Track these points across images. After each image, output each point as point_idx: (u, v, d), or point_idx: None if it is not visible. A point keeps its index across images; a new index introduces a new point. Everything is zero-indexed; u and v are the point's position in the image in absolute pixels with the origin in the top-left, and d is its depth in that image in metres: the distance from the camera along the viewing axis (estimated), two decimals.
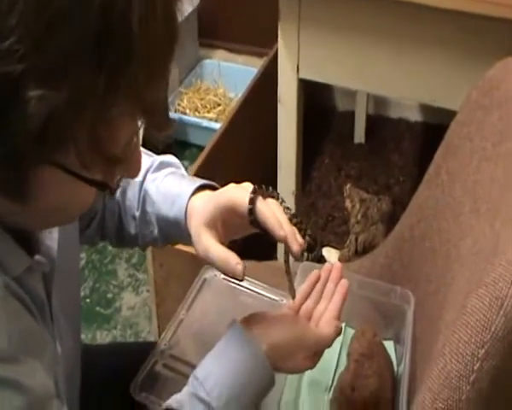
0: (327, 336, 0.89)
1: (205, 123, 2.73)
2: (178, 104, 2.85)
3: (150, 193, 0.98)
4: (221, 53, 3.04)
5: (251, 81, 2.31)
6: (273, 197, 0.87)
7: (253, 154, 2.28)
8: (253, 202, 0.84)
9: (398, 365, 1.13)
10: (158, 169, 1.01)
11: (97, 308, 2.16)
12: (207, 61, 3.01)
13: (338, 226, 2.37)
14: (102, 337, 2.08)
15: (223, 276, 1.04)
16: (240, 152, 2.20)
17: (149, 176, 1.00)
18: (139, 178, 0.99)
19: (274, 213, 0.84)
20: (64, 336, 0.86)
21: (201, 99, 2.88)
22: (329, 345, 0.90)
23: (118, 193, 1.00)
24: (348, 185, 2.28)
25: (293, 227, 0.83)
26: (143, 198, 0.99)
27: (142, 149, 1.04)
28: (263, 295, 1.19)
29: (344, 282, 0.97)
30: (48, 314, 0.80)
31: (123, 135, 0.65)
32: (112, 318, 2.14)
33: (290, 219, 0.84)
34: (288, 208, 0.86)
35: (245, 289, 1.19)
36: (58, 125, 0.58)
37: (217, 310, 1.17)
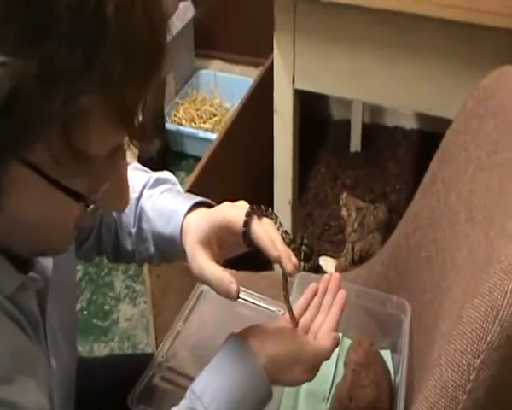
0: (325, 349, 0.89)
1: (201, 134, 2.73)
2: (175, 115, 2.86)
3: (146, 210, 0.98)
4: (217, 63, 3.05)
5: (247, 91, 2.31)
6: (271, 218, 0.87)
7: (249, 164, 2.29)
8: (247, 220, 0.84)
9: (396, 374, 1.13)
10: (154, 186, 1.01)
11: (94, 321, 2.16)
12: (203, 72, 3.01)
13: (334, 235, 2.38)
14: (100, 350, 2.07)
15: None
16: (236, 162, 2.21)
17: (145, 192, 0.99)
18: (135, 195, 0.99)
19: (268, 233, 0.83)
20: (60, 351, 0.86)
21: (197, 110, 2.89)
22: (328, 358, 0.90)
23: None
24: (344, 194, 2.28)
25: (288, 248, 0.83)
26: (139, 215, 0.99)
27: (138, 165, 1.04)
28: (260, 306, 1.19)
29: (342, 293, 0.97)
30: (42, 331, 0.80)
31: (98, 137, 0.62)
32: (109, 330, 2.13)
33: (288, 244, 0.83)
34: (286, 232, 0.86)
35: (242, 301, 1.19)
36: (26, 99, 0.56)
37: (214, 322, 1.17)
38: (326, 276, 1.00)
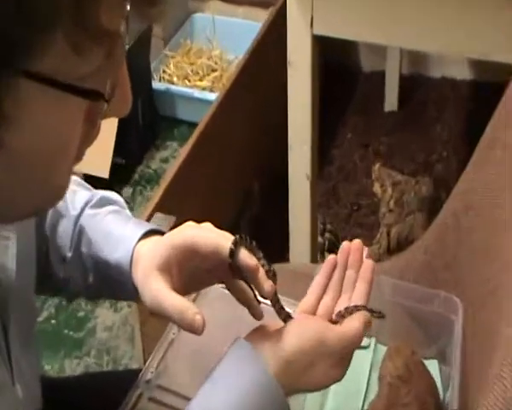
0: (355, 331, 0.88)
1: (197, 94, 2.73)
2: (164, 71, 2.86)
3: (88, 230, 1.00)
4: (216, 4, 3.04)
5: (253, 39, 2.31)
6: (253, 253, 0.91)
7: (257, 130, 2.28)
8: (236, 242, 0.89)
9: (445, 390, 1.13)
10: (98, 205, 1.03)
11: (65, 331, 2.17)
12: (199, 16, 3.02)
13: (365, 217, 2.39)
14: (72, 367, 2.08)
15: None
16: (241, 128, 2.21)
17: (87, 211, 1.02)
18: (75, 212, 1.01)
19: (251, 256, 0.89)
20: (24, 374, 0.85)
21: (192, 64, 2.89)
22: (358, 343, 0.89)
23: (46, 228, 1.01)
24: (377, 165, 2.28)
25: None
26: (78, 236, 1.01)
27: (82, 182, 1.08)
28: (270, 305, 1.18)
29: (367, 264, 0.96)
30: (5, 352, 0.80)
31: (106, 7, 0.64)
32: (84, 342, 2.14)
33: (262, 265, 0.89)
34: (269, 265, 0.91)
35: None
36: None
37: (215, 326, 1.16)
38: (345, 245, 0.99)
